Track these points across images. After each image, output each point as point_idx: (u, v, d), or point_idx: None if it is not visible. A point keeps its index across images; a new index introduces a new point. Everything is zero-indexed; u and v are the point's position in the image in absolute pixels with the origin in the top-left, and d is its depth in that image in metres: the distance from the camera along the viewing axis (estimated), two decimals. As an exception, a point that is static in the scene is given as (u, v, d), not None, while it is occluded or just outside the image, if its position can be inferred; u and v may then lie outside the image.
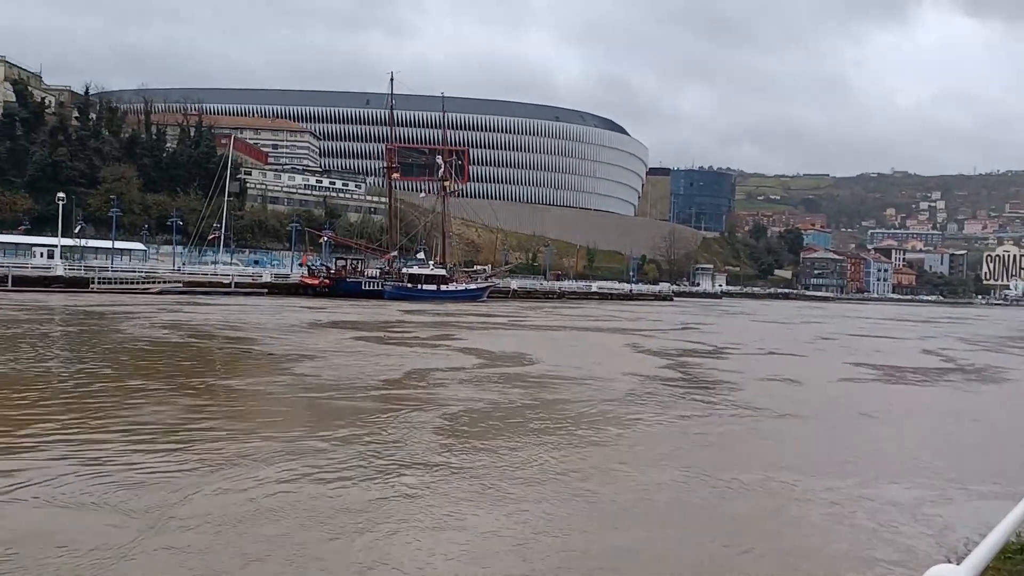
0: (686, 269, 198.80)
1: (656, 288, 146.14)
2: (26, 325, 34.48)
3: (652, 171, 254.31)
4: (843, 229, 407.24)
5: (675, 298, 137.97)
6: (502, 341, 36.32)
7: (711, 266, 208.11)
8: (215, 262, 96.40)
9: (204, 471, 11.45)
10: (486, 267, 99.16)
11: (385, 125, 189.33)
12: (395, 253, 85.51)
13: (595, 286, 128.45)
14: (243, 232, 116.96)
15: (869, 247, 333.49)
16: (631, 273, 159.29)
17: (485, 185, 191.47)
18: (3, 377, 19.92)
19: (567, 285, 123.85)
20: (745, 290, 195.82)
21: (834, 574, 8.78)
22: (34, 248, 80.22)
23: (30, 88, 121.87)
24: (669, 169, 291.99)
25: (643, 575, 8.62)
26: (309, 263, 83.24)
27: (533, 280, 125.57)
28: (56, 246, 76.26)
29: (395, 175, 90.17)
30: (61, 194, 74.45)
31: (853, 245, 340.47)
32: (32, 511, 9.47)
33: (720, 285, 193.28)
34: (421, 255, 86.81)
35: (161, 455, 12.19)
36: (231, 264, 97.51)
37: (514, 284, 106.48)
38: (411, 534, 9.22)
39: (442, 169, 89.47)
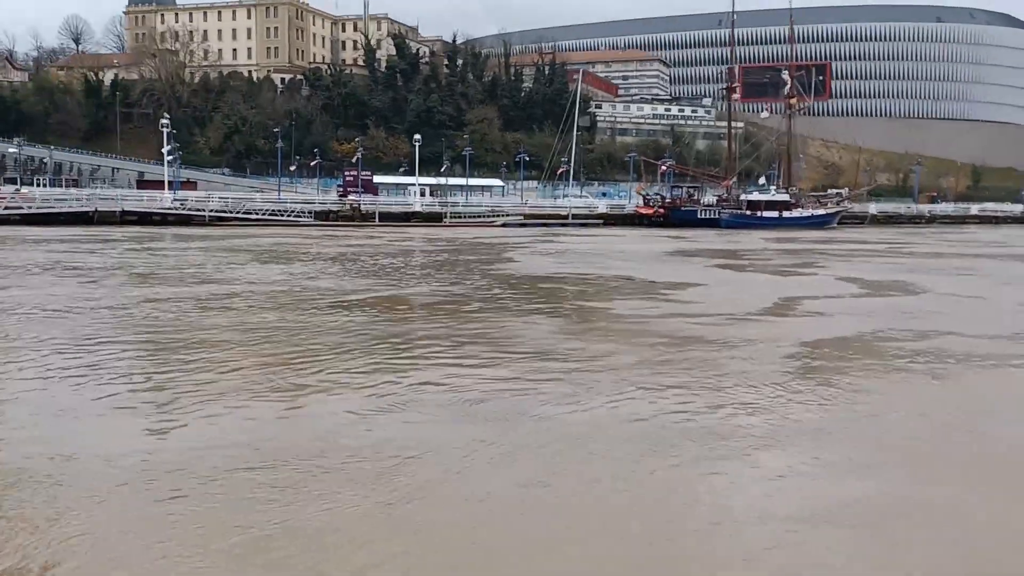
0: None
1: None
2: (438, 256, 38.96)
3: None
4: None
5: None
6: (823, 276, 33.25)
7: None
8: (565, 195, 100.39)
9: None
10: (841, 190, 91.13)
11: (733, 45, 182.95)
12: (734, 179, 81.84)
13: (975, 208, 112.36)
14: (593, 165, 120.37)
15: None
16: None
17: (850, 101, 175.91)
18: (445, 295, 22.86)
19: (939, 208, 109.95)
20: None
21: None
22: (408, 187, 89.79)
23: (408, 41, 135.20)
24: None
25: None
26: (644, 192, 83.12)
27: (898, 203, 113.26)
28: (419, 185, 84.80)
29: (735, 96, 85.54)
30: (417, 136, 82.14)
31: None
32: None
33: None
34: (763, 180, 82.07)
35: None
36: (581, 196, 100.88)
37: (872, 208, 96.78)
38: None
39: (788, 86, 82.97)
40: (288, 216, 64.61)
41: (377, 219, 68.66)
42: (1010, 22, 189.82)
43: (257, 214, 64.43)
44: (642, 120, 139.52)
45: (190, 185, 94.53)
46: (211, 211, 64.06)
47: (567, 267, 33.64)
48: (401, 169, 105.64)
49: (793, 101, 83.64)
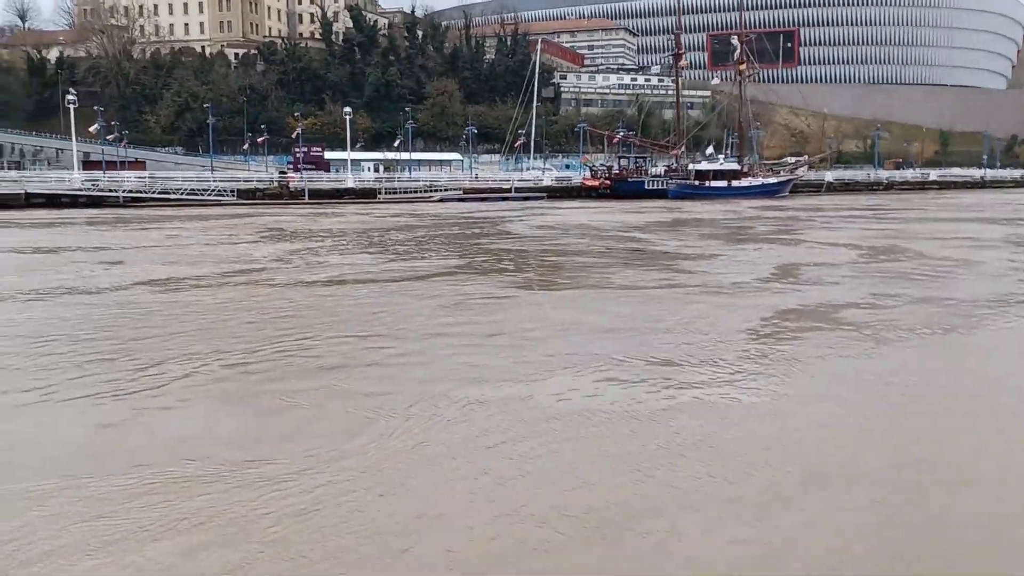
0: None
1: (1019, 173, 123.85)
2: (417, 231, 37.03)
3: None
4: None
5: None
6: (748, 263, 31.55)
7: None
8: (529, 168, 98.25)
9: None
10: (800, 158, 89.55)
11: (705, 13, 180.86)
12: (681, 149, 79.97)
13: (934, 174, 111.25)
14: (557, 137, 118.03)
15: None
16: (995, 157, 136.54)
17: (819, 68, 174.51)
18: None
19: (896, 174, 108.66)
20: None
21: None
22: (362, 163, 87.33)
23: (366, 13, 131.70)
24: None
25: None
26: (590, 164, 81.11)
27: (857, 170, 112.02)
28: (377, 161, 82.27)
29: (682, 64, 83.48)
30: (347, 109, 79.60)
31: None
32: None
33: None
34: (710, 150, 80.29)
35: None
36: (544, 168, 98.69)
37: (829, 176, 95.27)
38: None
39: (737, 51, 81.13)
40: (208, 195, 61.80)
41: (307, 196, 65.68)
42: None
43: (176, 193, 61.52)
44: (607, 91, 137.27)
45: (139, 165, 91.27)
46: (125, 192, 60.47)
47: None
48: (359, 144, 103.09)
49: (742, 67, 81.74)
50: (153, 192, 61.35)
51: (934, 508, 7.31)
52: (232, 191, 63.13)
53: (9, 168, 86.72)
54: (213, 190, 62.41)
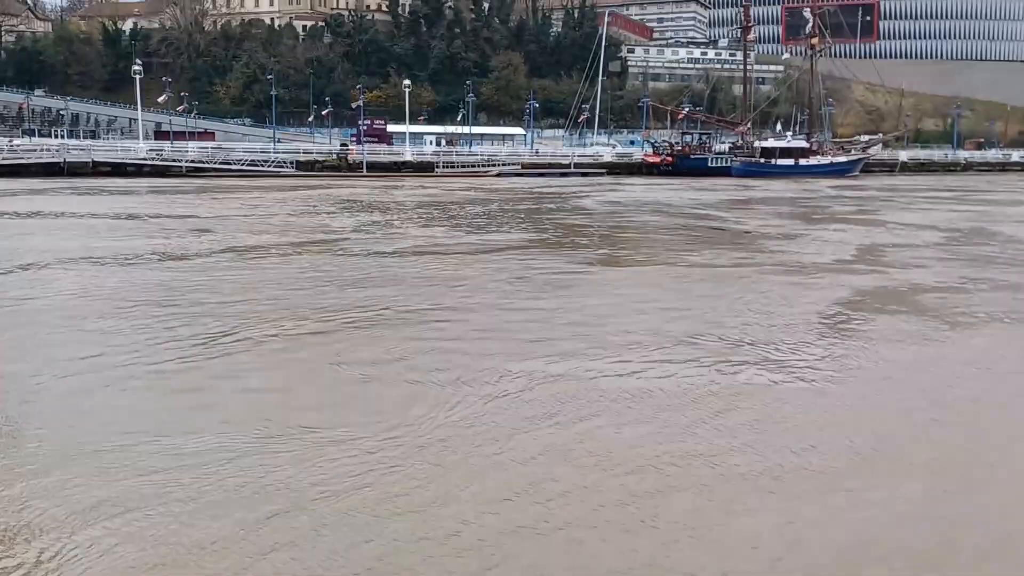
0: None
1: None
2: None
3: None
4: None
5: None
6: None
7: None
8: (593, 143, 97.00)
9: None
10: (871, 137, 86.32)
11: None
12: (748, 126, 77.67)
13: (1016, 155, 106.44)
14: (623, 112, 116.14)
15: None
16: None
17: (899, 43, 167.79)
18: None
19: (976, 155, 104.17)
20: None
21: None
22: (424, 136, 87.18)
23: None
24: None
25: None
26: (651, 140, 79.48)
27: (933, 150, 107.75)
28: (439, 134, 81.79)
29: (751, 37, 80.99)
30: (407, 81, 78.79)
31: None
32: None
33: None
34: (779, 127, 77.80)
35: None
36: (608, 144, 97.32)
37: (903, 156, 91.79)
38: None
39: (809, 24, 78.25)
40: (269, 166, 62.43)
41: (365, 169, 65.88)
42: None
43: (237, 164, 62.26)
44: (676, 65, 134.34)
45: (208, 135, 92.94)
46: (188, 162, 61.79)
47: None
48: (422, 118, 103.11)
49: (815, 42, 78.84)
50: (215, 163, 62.37)
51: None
52: (292, 163, 63.79)
53: (84, 137, 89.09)
54: (273, 161, 63.12)
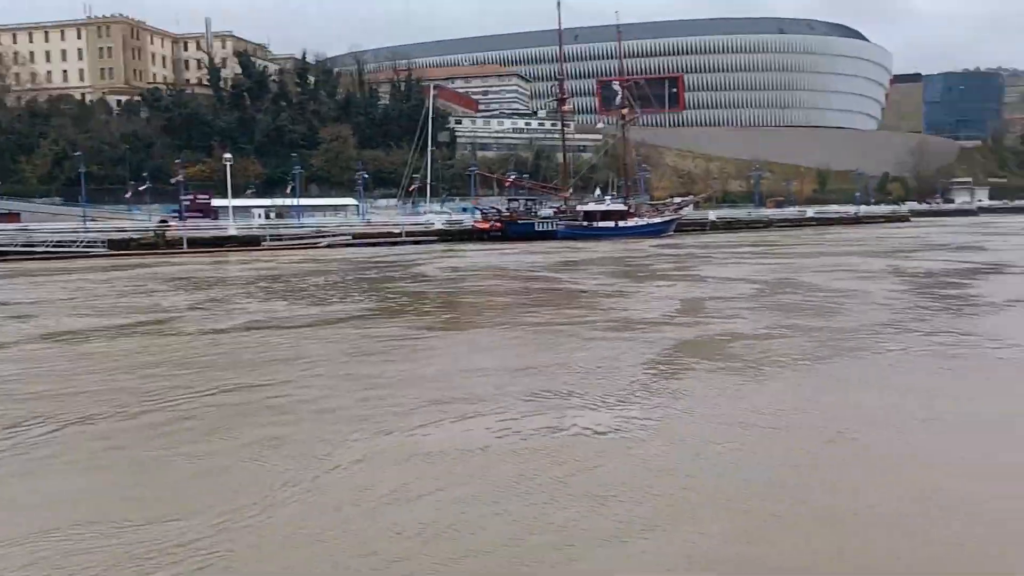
0: (938, 185, 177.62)
1: (889, 209, 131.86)
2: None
3: (899, 78, 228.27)
4: None
5: (912, 218, 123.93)
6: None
7: (969, 179, 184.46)
8: (426, 212, 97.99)
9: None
10: (686, 198, 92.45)
11: (597, 60, 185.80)
12: (570, 191, 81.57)
13: (811, 211, 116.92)
14: (454, 180, 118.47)
15: None
16: (868, 194, 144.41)
17: (705, 112, 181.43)
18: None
19: (775, 213, 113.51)
20: (1013, 204, 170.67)
21: None
22: (252, 210, 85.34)
23: (255, 59, 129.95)
24: (920, 75, 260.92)
25: None
26: (480, 206, 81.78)
27: (738, 209, 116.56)
28: (267, 207, 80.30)
29: (566, 108, 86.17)
30: (227, 155, 77.16)
31: None
32: None
33: (980, 200, 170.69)
34: (598, 192, 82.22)
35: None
36: (440, 212, 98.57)
37: (712, 215, 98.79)
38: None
39: (619, 96, 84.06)
40: (78, 246, 58.90)
41: (185, 245, 63.36)
42: (846, 32, 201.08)
43: (43, 246, 58.11)
44: (501, 135, 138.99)
45: (13, 217, 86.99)
46: None
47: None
48: (249, 191, 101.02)
49: (625, 112, 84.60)
50: (16, 245, 58.04)
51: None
52: (103, 242, 60.33)
53: None
54: (83, 241, 59.48)
